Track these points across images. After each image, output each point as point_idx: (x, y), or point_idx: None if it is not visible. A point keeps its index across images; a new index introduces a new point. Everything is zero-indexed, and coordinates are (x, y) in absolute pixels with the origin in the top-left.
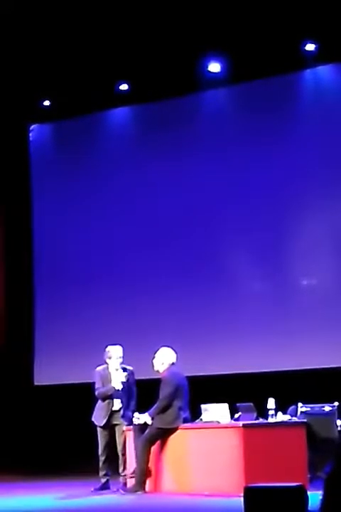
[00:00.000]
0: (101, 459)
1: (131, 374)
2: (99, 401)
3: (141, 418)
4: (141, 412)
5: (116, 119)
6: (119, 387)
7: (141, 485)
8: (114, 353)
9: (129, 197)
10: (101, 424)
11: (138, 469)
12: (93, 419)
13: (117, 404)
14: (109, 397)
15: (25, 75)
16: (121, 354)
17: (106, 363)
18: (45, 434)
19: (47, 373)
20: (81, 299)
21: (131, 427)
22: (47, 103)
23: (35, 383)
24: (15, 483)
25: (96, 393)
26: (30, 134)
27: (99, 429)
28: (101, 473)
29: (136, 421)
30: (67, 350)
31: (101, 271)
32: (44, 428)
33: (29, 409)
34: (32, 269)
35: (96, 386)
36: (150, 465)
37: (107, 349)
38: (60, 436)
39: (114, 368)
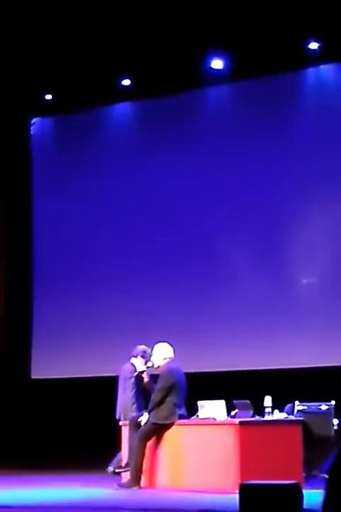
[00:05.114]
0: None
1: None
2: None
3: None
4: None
5: (118, 114)
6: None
7: (136, 480)
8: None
9: (130, 192)
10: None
11: (133, 465)
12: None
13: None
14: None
15: (27, 68)
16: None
17: (134, 361)
18: (42, 427)
19: (45, 367)
20: (79, 293)
21: (127, 422)
22: (49, 97)
23: (33, 377)
24: (12, 476)
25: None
26: (32, 128)
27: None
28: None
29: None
30: (65, 344)
31: (100, 265)
32: (41, 422)
33: (26, 402)
34: (31, 262)
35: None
36: (145, 461)
37: (147, 350)
38: (57, 430)
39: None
